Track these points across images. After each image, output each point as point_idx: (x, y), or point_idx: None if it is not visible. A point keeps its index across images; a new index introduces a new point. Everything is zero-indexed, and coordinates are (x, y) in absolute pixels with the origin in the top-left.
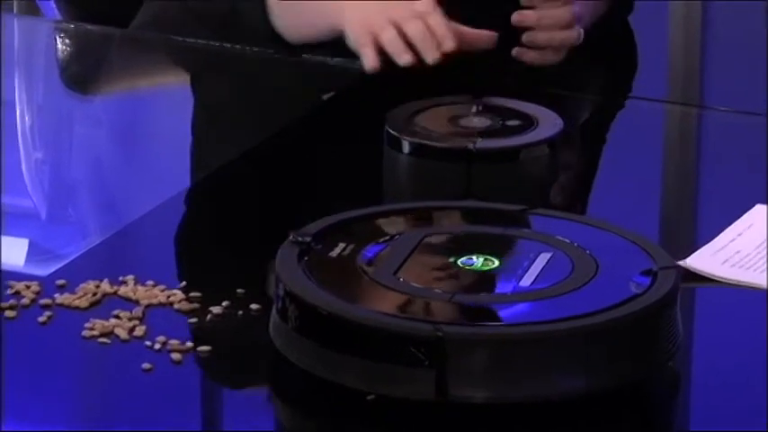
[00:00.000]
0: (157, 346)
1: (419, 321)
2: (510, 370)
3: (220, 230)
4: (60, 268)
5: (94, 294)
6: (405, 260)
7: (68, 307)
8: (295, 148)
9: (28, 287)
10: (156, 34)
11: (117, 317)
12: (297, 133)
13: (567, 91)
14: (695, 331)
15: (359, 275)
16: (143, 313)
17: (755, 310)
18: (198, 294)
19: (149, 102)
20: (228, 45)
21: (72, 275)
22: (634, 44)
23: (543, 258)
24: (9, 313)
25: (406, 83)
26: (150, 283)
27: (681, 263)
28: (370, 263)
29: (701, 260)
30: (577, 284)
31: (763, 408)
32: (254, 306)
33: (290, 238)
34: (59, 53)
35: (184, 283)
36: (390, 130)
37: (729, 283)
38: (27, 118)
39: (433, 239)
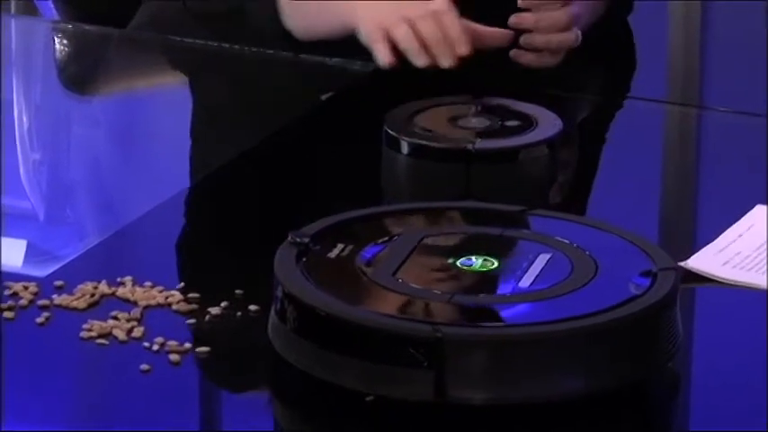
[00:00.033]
0: (156, 348)
1: (418, 322)
2: (509, 371)
3: (219, 231)
4: (58, 269)
5: (92, 295)
6: (403, 261)
7: (66, 308)
8: (293, 148)
9: (26, 288)
10: (154, 34)
11: (115, 318)
12: (295, 134)
13: (567, 91)
14: (695, 332)
15: (357, 276)
16: (141, 314)
17: (755, 310)
18: (196, 295)
19: (147, 102)
20: (227, 45)
21: (70, 276)
22: (633, 44)
23: (542, 259)
24: (7, 314)
25: (404, 83)
26: (148, 284)
27: (682, 264)
28: (368, 264)
29: (702, 261)
30: (577, 285)
31: (762, 408)
32: (252, 307)
33: (289, 238)
34: (57, 53)
35: (183, 284)
36: (389, 131)
37: (729, 284)
38: (25, 118)
39: (432, 240)
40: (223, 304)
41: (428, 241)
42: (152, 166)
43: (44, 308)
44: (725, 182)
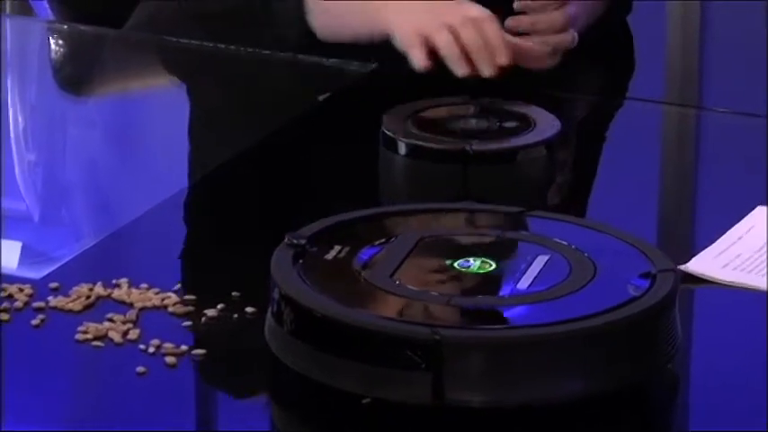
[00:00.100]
0: (151, 350)
1: (416, 324)
2: (507, 373)
3: (215, 233)
4: (54, 271)
5: (88, 297)
6: (401, 263)
7: (62, 310)
8: (291, 149)
9: (21, 290)
10: (150, 35)
11: (111, 320)
12: (292, 134)
13: (565, 92)
14: (694, 333)
15: (355, 278)
16: (137, 316)
17: (754, 311)
18: (192, 297)
19: (143, 103)
20: (223, 46)
21: (65, 278)
22: (632, 45)
23: (541, 261)
24: (2, 316)
25: (402, 84)
26: (144, 285)
27: (681, 267)
28: (365, 265)
29: (702, 264)
30: (575, 287)
31: (762, 410)
32: (249, 309)
33: (286, 240)
34: (53, 54)
35: (179, 285)
36: (387, 132)
37: (728, 285)
38: (20, 119)
39: (430, 242)
40: (219, 306)
41: (426, 243)
42: (148, 167)
43: (39, 310)
44: (724, 183)
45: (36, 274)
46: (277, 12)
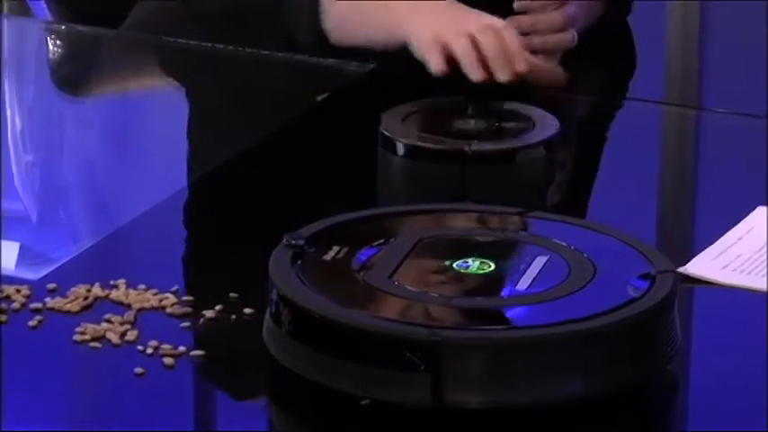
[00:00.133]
0: (150, 351)
1: (414, 325)
2: (507, 374)
3: (213, 233)
4: (51, 272)
5: (86, 298)
6: (400, 263)
7: (59, 311)
8: (289, 149)
9: (18, 291)
10: (148, 35)
11: (108, 321)
12: (291, 135)
13: (565, 92)
14: (694, 334)
15: (353, 279)
16: (135, 317)
17: (754, 312)
18: (190, 298)
19: (141, 103)
20: (221, 46)
21: (63, 279)
22: (632, 45)
23: (540, 262)
24: (0, 318)
25: (400, 85)
26: (142, 286)
27: (681, 269)
28: (364, 266)
29: (702, 265)
30: (574, 288)
31: (762, 410)
32: (247, 310)
33: (284, 241)
34: (50, 54)
35: (177, 286)
36: (385, 132)
37: (728, 286)
38: (18, 120)
39: (429, 243)
40: (218, 307)
41: (425, 244)
42: (146, 167)
43: (37, 311)
44: (723, 183)
45: (34, 274)
46: (290, 11)
